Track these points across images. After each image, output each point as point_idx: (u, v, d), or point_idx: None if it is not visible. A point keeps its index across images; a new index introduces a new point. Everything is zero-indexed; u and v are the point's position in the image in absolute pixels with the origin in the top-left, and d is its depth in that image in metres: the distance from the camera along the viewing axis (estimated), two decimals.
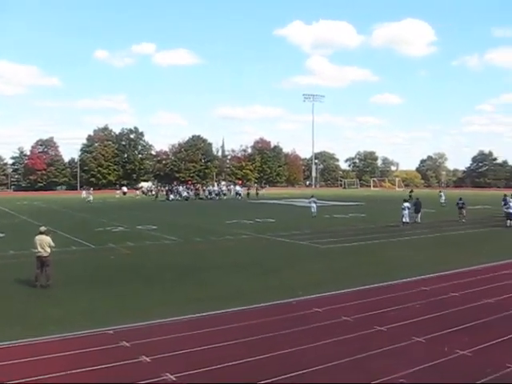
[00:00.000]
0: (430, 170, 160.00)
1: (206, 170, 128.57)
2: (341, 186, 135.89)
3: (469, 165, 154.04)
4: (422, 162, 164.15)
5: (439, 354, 10.22)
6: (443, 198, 56.26)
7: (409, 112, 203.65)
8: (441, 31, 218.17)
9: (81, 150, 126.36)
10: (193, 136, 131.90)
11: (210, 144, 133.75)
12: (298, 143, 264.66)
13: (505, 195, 42.20)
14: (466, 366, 9.69)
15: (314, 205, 42.65)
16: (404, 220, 34.40)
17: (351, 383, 8.92)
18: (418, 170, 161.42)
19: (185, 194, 73.90)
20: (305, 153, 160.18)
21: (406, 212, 34.75)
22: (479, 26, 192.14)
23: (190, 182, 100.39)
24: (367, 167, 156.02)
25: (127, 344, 10.65)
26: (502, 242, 27.95)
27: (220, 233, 30.25)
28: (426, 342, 10.94)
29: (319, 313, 13.22)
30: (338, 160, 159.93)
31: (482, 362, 9.81)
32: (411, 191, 46.42)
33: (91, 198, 68.03)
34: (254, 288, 16.22)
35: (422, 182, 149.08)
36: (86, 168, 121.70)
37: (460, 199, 39.59)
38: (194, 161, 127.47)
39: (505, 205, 37.69)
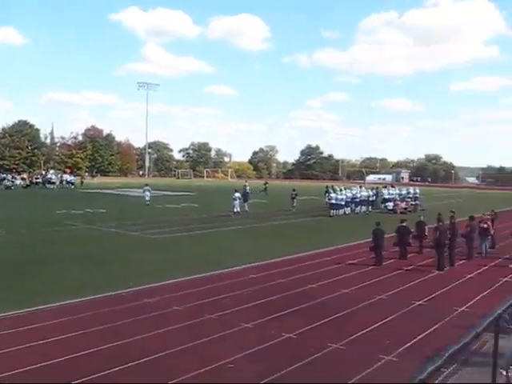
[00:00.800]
0: (261, 161, 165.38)
1: (33, 158, 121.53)
2: (174, 176, 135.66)
3: (298, 157, 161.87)
4: (255, 153, 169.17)
5: (267, 337, 10.68)
6: (248, 188, 57.49)
7: (243, 104, 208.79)
8: (274, 28, 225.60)
9: None
10: (19, 121, 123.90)
11: (37, 130, 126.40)
12: (132, 132, 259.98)
13: (327, 186, 45.00)
14: (291, 348, 10.23)
15: (147, 193, 42.65)
16: (235, 210, 35.33)
17: None
18: (250, 161, 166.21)
19: (9, 182, 69.50)
20: (138, 142, 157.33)
21: (237, 202, 35.74)
22: (309, 26, 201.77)
23: (14, 170, 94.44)
24: (201, 158, 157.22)
25: None
26: (325, 230, 29.77)
27: (48, 224, 28.82)
28: (254, 328, 11.37)
29: (150, 303, 13.18)
30: (172, 150, 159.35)
31: (306, 343, 10.42)
32: (266, 183, 47.20)
33: None
34: (85, 280, 15.70)
35: (254, 173, 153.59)
36: None
37: (293, 190, 41.72)
38: (19, 147, 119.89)
39: (327, 195, 40.18)
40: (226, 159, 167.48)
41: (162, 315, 12.21)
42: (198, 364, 9.20)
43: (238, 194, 36.16)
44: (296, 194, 41.39)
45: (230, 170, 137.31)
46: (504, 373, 8.68)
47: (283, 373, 8.95)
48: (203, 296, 13.94)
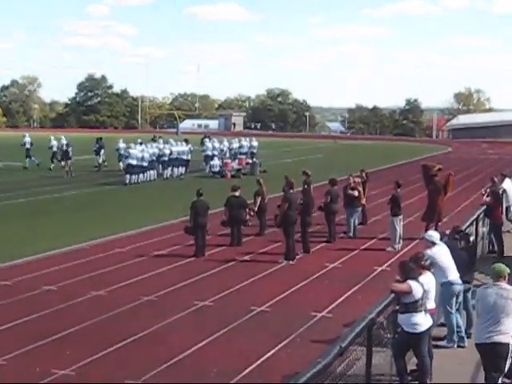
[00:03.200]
0: (15, 102, 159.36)
1: None
2: None
3: (74, 95, 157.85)
4: (4, 89, 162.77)
5: None
6: None
7: None
8: None
9: None
10: None
11: None
12: None
13: (98, 139, 45.07)
14: None
15: None
16: None
17: None
18: None
19: None
20: None
21: None
22: None
23: None
24: None
25: None
26: (119, 206, 29.68)
27: None
28: None
29: None
30: None
31: None
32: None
33: None
34: None
35: (5, 120, 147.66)
36: None
37: (67, 145, 41.27)
38: None
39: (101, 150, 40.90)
40: None
41: None
42: None
43: None
44: (68, 145, 41.21)
45: None
46: None
47: None
48: None
